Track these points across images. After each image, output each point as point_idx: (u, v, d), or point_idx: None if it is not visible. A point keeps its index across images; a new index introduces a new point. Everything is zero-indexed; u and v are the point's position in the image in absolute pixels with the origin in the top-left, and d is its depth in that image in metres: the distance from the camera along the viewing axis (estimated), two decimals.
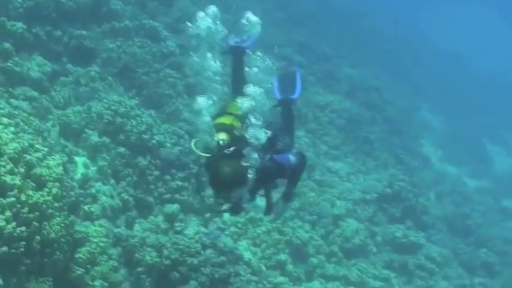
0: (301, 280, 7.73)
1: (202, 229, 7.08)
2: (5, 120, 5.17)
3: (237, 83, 4.18)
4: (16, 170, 4.47)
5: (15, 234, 4.17)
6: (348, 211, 9.49)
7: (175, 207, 7.07)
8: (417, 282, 9.23)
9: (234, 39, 4.44)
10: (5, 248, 4.10)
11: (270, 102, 3.98)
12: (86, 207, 6.05)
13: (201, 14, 3.84)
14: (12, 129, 4.95)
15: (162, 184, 7.21)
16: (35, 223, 4.33)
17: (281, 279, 7.33)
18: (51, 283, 4.45)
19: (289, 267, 7.68)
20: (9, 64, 6.83)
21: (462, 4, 37.78)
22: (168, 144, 7.52)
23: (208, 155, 3.61)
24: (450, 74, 21.67)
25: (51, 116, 6.98)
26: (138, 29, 9.42)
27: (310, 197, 9.21)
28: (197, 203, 7.19)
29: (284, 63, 12.00)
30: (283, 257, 7.68)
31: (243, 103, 3.72)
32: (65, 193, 5.07)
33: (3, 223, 4.12)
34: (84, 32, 8.40)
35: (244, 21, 4.17)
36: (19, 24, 7.25)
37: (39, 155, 4.83)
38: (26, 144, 4.77)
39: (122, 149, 7.08)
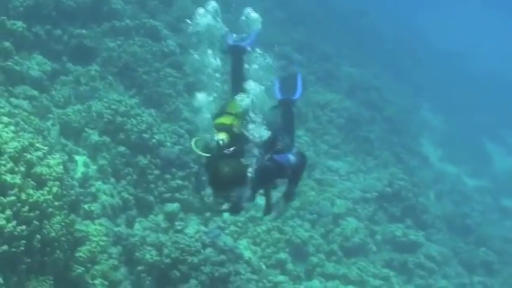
0: (301, 279, 7.75)
1: (203, 228, 7.09)
2: (5, 119, 5.17)
3: (237, 82, 4.18)
4: (16, 168, 4.47)
5: (16, 233, 4.17)
6: (348, 210, 9.50)
7: (175, 206, 7.08)
8: (417, 281, 9.24)
9: (233, 38, 4.43)
10: (5, 247, 4.10)
11: (271, 101, 3.98)
12: (86, 206, 6.06)
13: (200, 10, 3.82)
14: (12, 128, 4.96)
15: (162, 183, 7.22)
16: (35, 222, 4.34)
17: (281, 278, 7.35)
18: (51, 282, 4.46)
19: (289, 266, 7.69)
20: (9, 63, 6.83)
21: (462, 4, 37.76)
22: (169, 144, 7.53)
23: (208, 155, 3.61)
24: (450, 74, 21.68)
25: (51, 115, 6.98)
26: (139, 28, 9.42)
27: (310, 196, 9.23)
28: (197, 202, 7.20)
29: (284, 62, 12.13)
30: (283, 255, 7.69)
31: (243, 99, 3.71)
32: (65, 192, 5.08)
33: (4, 222, 4.12)
34: (84, 31, 8.39)
35: (244, 17, 4.14)
36: (19, 23, 7.24)
37: (39, 154, 4.84)
38: (26, 143, 4.77)
39: (122, 148, 7.08)
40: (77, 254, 5.04)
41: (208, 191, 3.57)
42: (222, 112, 3.80)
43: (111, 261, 5.54)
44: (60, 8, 8.13)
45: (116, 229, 6.16)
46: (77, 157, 6.75)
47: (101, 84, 7.90)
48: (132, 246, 6.04)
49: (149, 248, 6.06)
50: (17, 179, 4.39)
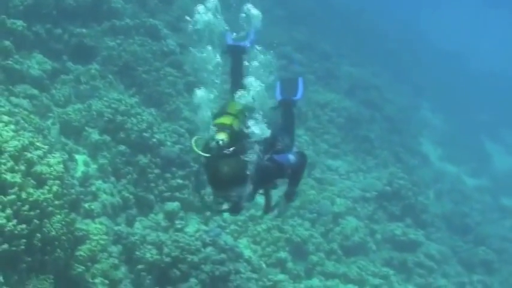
0: (301, 278, 7.76)
1: (203, 227, 7.10)
2: (6, 118, 5.16)
3: (236, 82, 4.18)
4: (17, 167, 4.47)
5: (16, 232, 4.17)
6: (347, 209, 9.51)
7: (175, 205, 7.09)
8: (416, 280, 9.26)
9: (232, 38, 4.42)
10: (5, 246, 4.10)
11: (271, 100, 3.98)
12: (86, 205, 6.06)
13: (200, 7, 3.80)
14: (12, 127, 4.95)
15: (162, 182, 7.23)
16: (35, 221, 4.34)
17: (281, 276, 7.36)
18: (51, 281, 4.46)
19: (289, 264, 7.71)
20: (10, 62, 6.83)
21: (462, 3, 37.73)
22: (169, 143, 7.54)
23: (207, 155, 3.61)
24: (450, 73, 21.67)
25: (51, 114, 6.99)
26: (139, 27, 9.42)
27: (310, 195, 9.24)
28: (197, 201, 7.21)
29: (284, 61, 12.13)
30: (283, 254, 7.70)
31: (242, 96, 3.71)
32: (65, 191, 5.08)
33: (4, 221, 4.12)
34: (84, 30, 8.40)
35: (243, 14, 4.11)
36: (19, 22, 7.24)
37: (39, 153, 4.84)
38: (27, 142, 4.77)
39: (122, 147, 7.09)
40: (77, 253, 5.04)
41: (208, 190, 3.58)
42: (222, 112, 3.80)
43: (112, 260, 5.55)
44: (61, 7, 8.13)
45: (116, 228, 6.17)
46: (77, 156, 6.75)
47: (101, 83, 7.91)
48: (132, 245, 6.05)
49: (149, 246, 6.07)
50: (17, 178, 4.39)
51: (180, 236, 6.34)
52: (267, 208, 4.09)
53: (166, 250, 6.03)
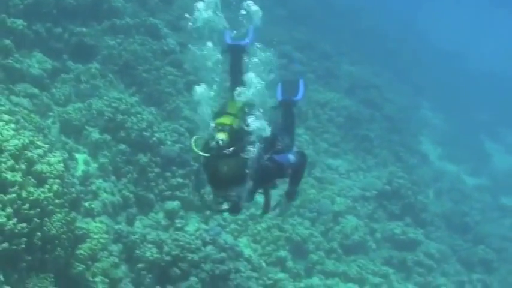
0: (301, 276, 7.77)
1: (203, 226, 7.11)
2: (6, 117, 5.17)
3: (236, 79, 4.18)
4: (17, 166, 4.48)
5: (16, 231, 4.17)
6: (347, 208, 9.52)
7: (175, 204, 7.09)
8: (416, 279, 9.27)
9: (231, 37, 4.41)
10: (6, 244, 4.10)
11: (271, 99, 3.98)
12: (86, 204, 6.06)
13: (200, 4, 3.80)
14: (12, 126, 4.95)
15: (162, 181, 7.24)
16: (35, 219, 4.35)
17: (281, 275, 7.38)
18: (52, 279, 4.46)
19: (289, 263, 7.72)
20: (10, 61, 6.83)
21: (462, 3, 37.70)
22: (169, 142, 7.54)
23: (207, 155, 3.61)
24: (450, 73, 21.67)
25: (51, 113, 6.99)
26: (139, 26, 9.43)
27: (310, 194, 9.25)
28: (197, 200, 7.21)
29: (285, 60, 12.12)
30: (283, 253, 7.72)
31: (242, 92, 3.70)
32: (65, 190, 5.08)
33: (5, 219, 4.13)
34: (84, 29, 8.40)
35: (243, 11, 4.10)
36: (19, 21, 7.25)
37: (39, 151, 4.84)
38: (27, 141, 4.77)
39: (122, 146, 7.10)
40: (78, 252, 5.05)
41: (208, 189, 3.58)
42: (222, 112, 3.79)
43: (112, 258, 5.55)
44: (61, 6, 8.14)
45: (116, 227, 6.18)
46: (77, 155, 6.76)
47: (101, 82, 7.91)
48: (133, 244, 6.06)
49: (149, 245, 6.08)
50: (18, 177, 4.39)
51: (180, 234, 6.35)
52: (266, 207, 4.09)
53: (166, 249, 6.04)
